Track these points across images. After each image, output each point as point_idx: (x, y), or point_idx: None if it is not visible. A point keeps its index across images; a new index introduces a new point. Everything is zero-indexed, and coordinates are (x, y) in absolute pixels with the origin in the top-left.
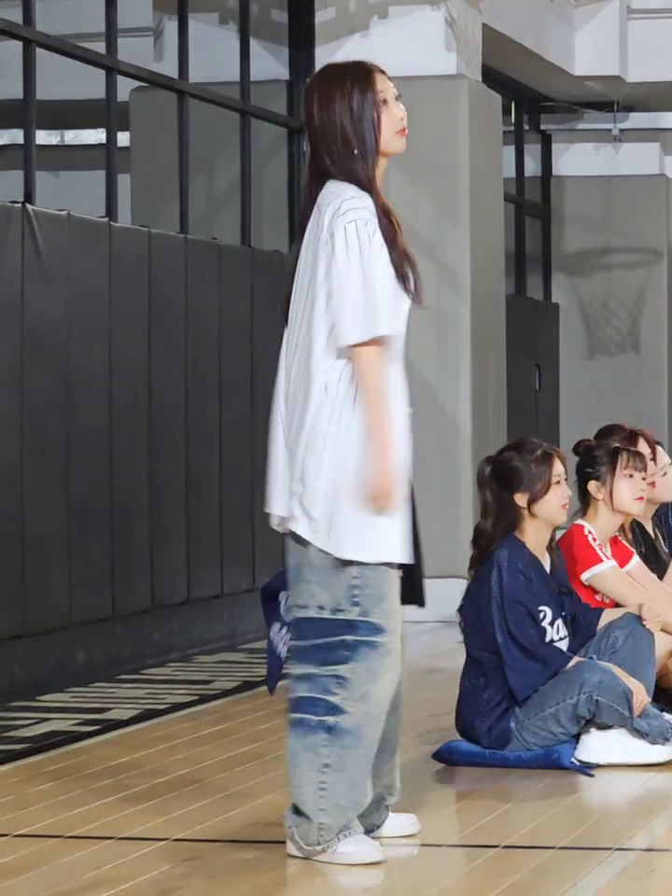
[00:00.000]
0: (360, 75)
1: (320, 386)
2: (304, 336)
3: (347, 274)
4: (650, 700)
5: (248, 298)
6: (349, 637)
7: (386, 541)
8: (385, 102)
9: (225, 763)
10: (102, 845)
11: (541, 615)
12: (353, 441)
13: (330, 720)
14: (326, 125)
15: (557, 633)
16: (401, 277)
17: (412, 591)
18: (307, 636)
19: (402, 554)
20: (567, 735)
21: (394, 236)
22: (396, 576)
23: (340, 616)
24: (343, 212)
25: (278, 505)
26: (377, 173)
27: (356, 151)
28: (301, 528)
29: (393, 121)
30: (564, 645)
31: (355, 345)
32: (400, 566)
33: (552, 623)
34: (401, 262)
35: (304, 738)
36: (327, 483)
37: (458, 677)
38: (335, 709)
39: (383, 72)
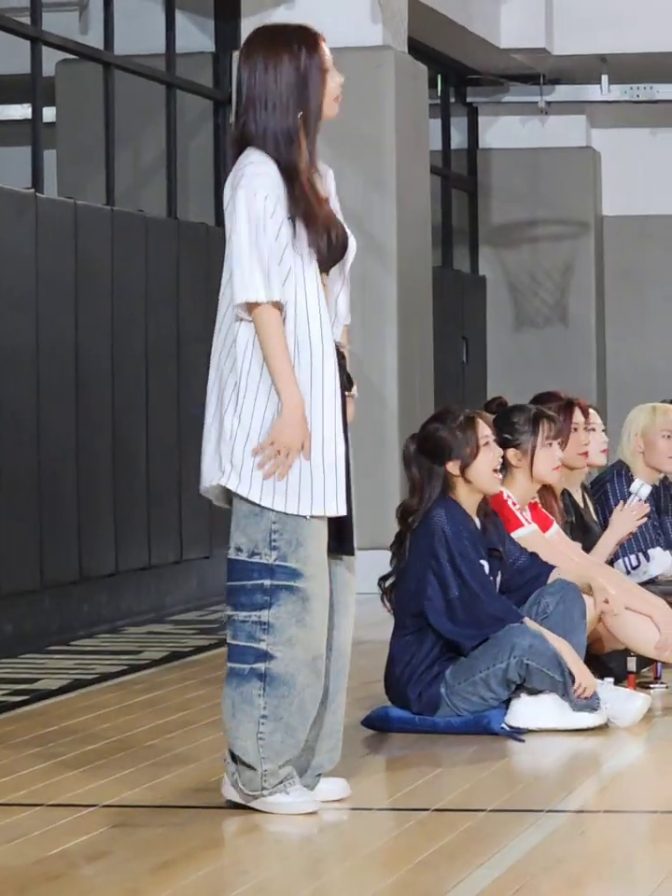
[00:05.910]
0: (308, 38)
1: (241, 346)
2: (225, 301)
3: (237, 242)
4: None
5: (174, 269)
6: (267, 582)
7: (304, 493)
8: (327, 68)
9: (154, 731)
10: (30, 811)
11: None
12: (264, 395)
13: (261, 667)
14: (266, 85)
15: None
16: (310, 244)
17: (340, 541)
18: (229, 577)
19: (318, 507)
20: (497, 699)
21: (308, 207)
22: (319, 524)
23: (256, 559)
24: (239, 179)
25: (210, 475)
26: (316, 137)
27: (299, 114)
28: (225, 480)
29: (333, 87)
30: None
31: (250, 306)
32: (331, 517)
33: None
34: (312, 231)
35: (239, 688)
36: (244, 435)
37: (387, 646)
38: (264, 656)
39: (323, 38)
